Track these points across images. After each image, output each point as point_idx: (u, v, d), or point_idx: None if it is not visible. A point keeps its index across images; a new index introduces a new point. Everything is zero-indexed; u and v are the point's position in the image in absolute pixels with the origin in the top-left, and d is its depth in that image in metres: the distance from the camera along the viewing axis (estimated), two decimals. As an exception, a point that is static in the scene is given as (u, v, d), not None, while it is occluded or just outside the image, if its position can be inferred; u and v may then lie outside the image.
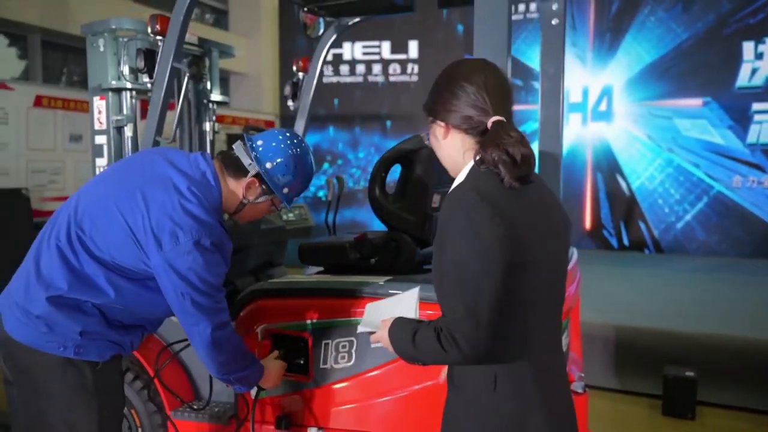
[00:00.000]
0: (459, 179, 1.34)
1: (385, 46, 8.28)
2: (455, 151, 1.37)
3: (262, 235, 2.93)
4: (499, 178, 1.28)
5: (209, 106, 3.26)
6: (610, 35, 7.53)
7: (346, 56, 8.41)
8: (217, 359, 1.72)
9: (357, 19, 3.16)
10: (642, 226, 7.43)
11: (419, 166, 2.19)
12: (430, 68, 8.06)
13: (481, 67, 1.37)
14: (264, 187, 1.79)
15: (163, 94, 2.37)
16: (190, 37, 2.96)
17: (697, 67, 7.13)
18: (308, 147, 1.88)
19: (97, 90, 2.73)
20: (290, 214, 3.17)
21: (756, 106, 6.90)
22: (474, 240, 1.21)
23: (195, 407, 2.30)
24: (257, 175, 1.77)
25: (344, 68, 8.42)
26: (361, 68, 8.42)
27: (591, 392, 2.31)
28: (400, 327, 1.36)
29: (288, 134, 1.85)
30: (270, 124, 9.81)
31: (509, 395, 1.30)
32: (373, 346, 1.49)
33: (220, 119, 9.64)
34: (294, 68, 3.26)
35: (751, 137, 6.95)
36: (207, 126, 3.27)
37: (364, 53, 8.39)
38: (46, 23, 7.45)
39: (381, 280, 2.05)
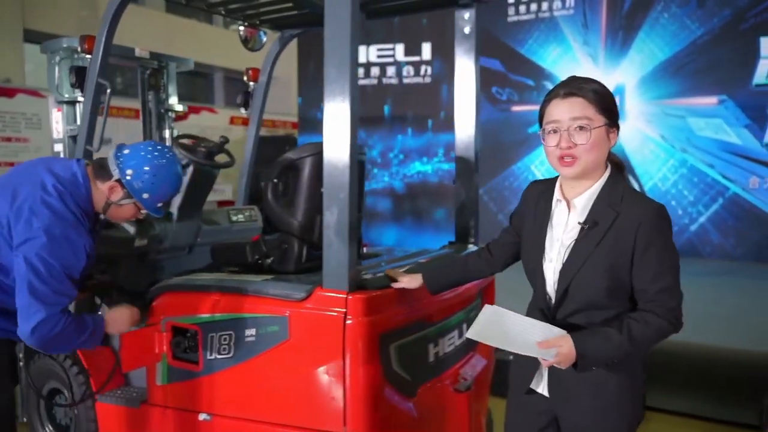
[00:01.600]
0: (597, 185, 1.58)
1: (399, 49, 8.40)
2: (606, 156, 1.59)
3: (207, 235, 3.14)
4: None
5: (168, 114, 3.51)
6: (622, 33, 7.38)
7: (362, 59, 8.59)
8: (49, 345, 1.89)
9: (299, 31, 3.34)
10: (655, 228, 7.24)
11: (309, 172, 2.33)
12: (443, 70, 8.14)
13: None
14: (125, 191, 2.00)
15: (90, 107, 2.62)
16: (141, 52, 3.22)
17: (712, 64, 6.90)
18: (174, 159, 2.08)
19: (54, 102, 3.02)
20: (240, 216, 3.38)
21: (774, 104, 6.63)
22: (673, 244, 1.55)
23: (117, 391, 2.53)
24: (119, 180, 1.98)
25: (359, 71, 8.60)
26: (375, 71, 8.57)
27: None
28: (602, 340, 1.50)
29: (156, 147, 2.06)
30: (294, 125, 10.12)
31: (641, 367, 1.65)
32: (546, 365, 1.55)
33: (235, 122, 10.07)
34: (245, 78, 3.47)
35: (769, 136, 6.68)
36: (167, 132, 3.53)
37: (379, 56, 8.54)
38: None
39: (259, 278, 2.21)
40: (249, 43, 3.18)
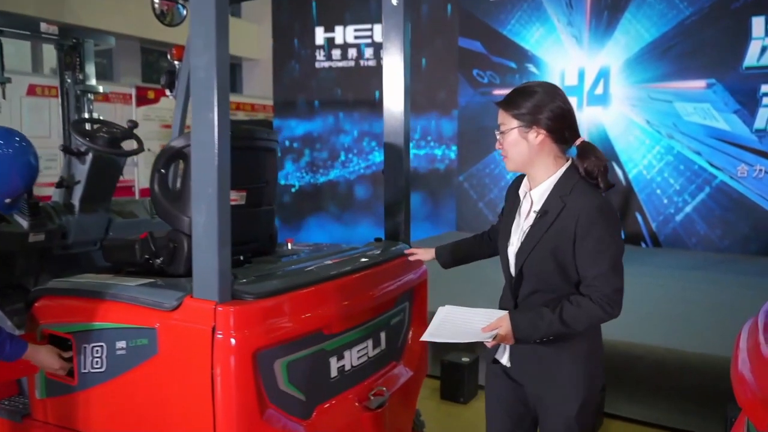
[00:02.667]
0: (553, 179, 1.73)
1: (377, 29, 8.06)
2: (544, 156, 1.73)
3: (122, 229, 2.88)
4: (591, 184, 1.71)
5: (87, 96, 3.24)
6: (608, 13, 7.03)
7: (338, 40, 8.26)
8: None
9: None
10: (639, 218, 6.95)
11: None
12: (420, 51, 7.80)
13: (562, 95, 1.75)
14: None
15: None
16: (47, 28, 2.94)
17: (701, 46, 6.56)
18: (25, 149, 1.81)
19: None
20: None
21: (765, 88, 6.28)
22: (618, 233, 1.70)
23: (5, 402, 2.29)
24: None
25: (336, 53, 8.28)
26: (353, 52, 8.25)
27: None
28: (535, 318, 1.66)
29: (3, 134, 1.78)
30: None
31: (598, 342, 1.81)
32: (490, 345, 1.73)
33: None
34: (168, 56, 3.18)
35: (759, 122, 6.35)
36: (86, 114, 3.25)
37: (356, 36, 8.21)
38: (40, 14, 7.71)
39: (135, 282, 1.95)
40: (166, 17, 2.89)
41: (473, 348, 3.73)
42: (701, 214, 6.68)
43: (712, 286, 5.02)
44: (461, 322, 1.73)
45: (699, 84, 6.59)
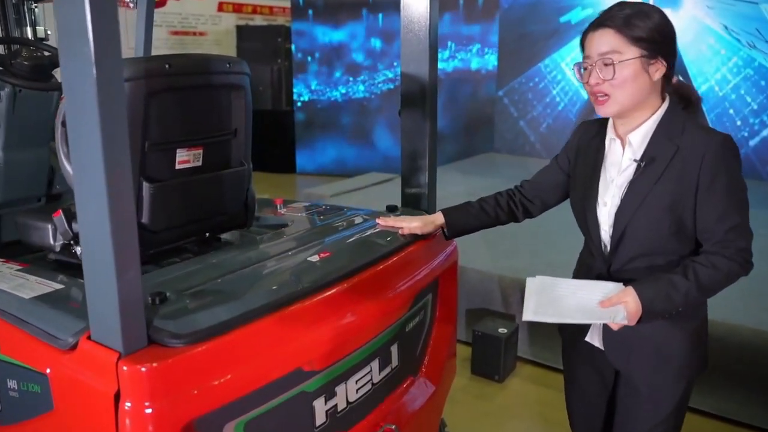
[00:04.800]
0: (655, 118, 1.44)
1: None
2: (655, 95, 1.44)
3: None
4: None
5: (28, 5, 2.53)
6: None
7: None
8: None
9: None
10: (705, 141, 6.06)
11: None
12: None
13: None
14: None
15: None
16: None
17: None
18: None
19: None
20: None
21: None
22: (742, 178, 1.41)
23: None
24: None
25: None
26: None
27: None
28: (666, 287, 1.38)
29: None
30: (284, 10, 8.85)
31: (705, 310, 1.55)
32: (617, 327, 1.41)
33: (224, 8, 8.82)
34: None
35: None
36: (28, 30, 2.56)
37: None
38: None
39: (30, 289, 1.34)
40: None
41: (512, 317, 3.13)
42: (781, 138, 5.76)
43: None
44: (566, 297, 1.45)
45: (795, -19, 5.46)
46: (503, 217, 1.74)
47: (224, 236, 1.77)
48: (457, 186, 4.93)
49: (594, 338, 1.59)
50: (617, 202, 1.47)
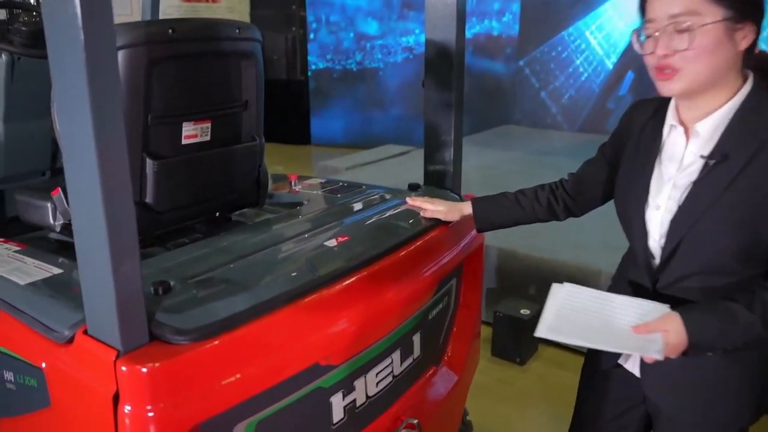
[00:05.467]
0: (731, 106, 1.14)
1: None
2: (735, 70, 1.14)
3: None
4: None
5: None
6: None
7: None
8: None
9: None
10: None
11: (126, 76, 1.27)
12: None
13: None
14: None
15: None
16: None
17: None
18: None
19: None
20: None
21: None
22: None
23: None
24: None
25: None
26: None
27: None
28: (723, 318, 1.13)
29: None
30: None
31: None
32: (651, 360, 1.16)
33: None
34: None
35: None
36: None
37: None
38: None
39: (26, 274, 1.24)
40: None
41: (534, 297, 3.02)
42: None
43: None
44: (593, 313, 1.20)
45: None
46: (541, 214, 1.50)
47: (235, 216, 1.66)
48: (472, 160, 4.75)
49: (628, 361, 1.34)
50: (673, 207, 1.19)
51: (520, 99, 7.06)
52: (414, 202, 1.62)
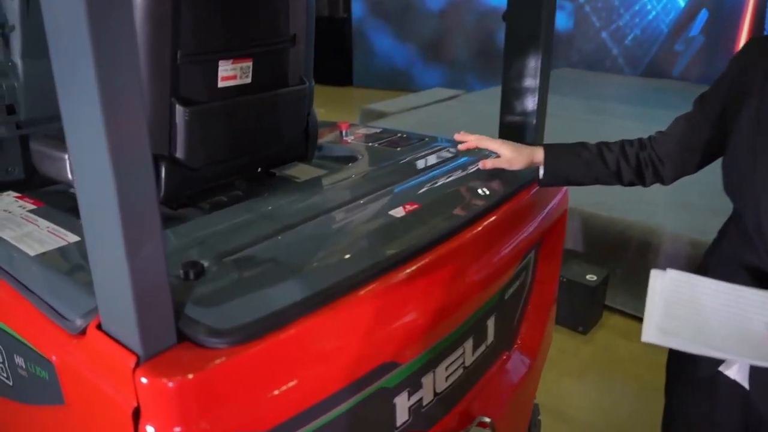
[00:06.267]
0: None
1: None
2: None
3: None
4: None
5: None
6: None
7: None
8: None
9: None
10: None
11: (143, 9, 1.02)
12: None
13: None
14: None
15: None
16: None
17: None
18: None
19: None
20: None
21: None
22: None
23: None
24: None
25: None
26: None
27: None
28: None
29: None
30: None
31: None
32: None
33: None
34: None
35: None
36: None
37: None
38: None
39: (37, 243, 1.04)
40: None
41: (602, 261, 2.75)
42: None
43: None
44: (712, 311, 0.95)
45: None
46: (627, 176, 1.22)
47: (279, 172, 1.43)
48: (448, 119, 4.31)
49: (732, 368, 1.11)
50: None
51: (578, 40, 6.55)
52: (463, 138, 1.31)
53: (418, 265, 0.99)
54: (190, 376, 0.74)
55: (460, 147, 1.34)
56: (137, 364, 0.74)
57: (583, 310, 2.63)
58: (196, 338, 0.78)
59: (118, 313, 0.76)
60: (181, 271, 0.86)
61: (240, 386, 0.78)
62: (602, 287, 2.66)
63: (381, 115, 4.78)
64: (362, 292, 0.91)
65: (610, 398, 2.29)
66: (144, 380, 0.73)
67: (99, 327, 0.81)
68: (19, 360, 1.04)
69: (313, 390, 0.86)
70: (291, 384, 0.83)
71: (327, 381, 0.88)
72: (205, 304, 0.82)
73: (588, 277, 2.62)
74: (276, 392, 0.81)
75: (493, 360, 1.38)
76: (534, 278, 1.52)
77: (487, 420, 1.26)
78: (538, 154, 1.25)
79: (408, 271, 0.97)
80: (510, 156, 1.25)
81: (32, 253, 1.03)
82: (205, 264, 0.89)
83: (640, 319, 2.66)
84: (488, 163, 1.28)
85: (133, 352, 0.75)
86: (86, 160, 0.70)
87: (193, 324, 0.78)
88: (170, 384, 0.73)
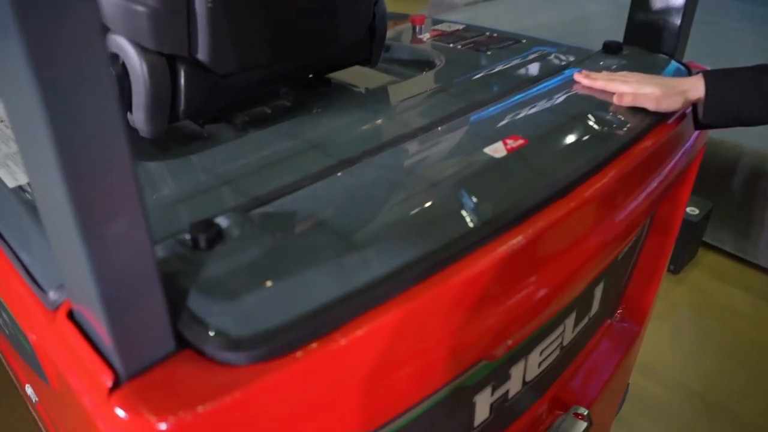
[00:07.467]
0: None
1: None
2: None
3: None
4: None
5: None
6: None
7: None
8: None
9: None
10: None
11: None
12: None
13: None
14: None
15: None
16: None
17: None
18: None
19: None
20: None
21: None
22: None
23: None
24: None
25: None
26: None
27: None
28: None
29: None
30: None
31: None
32: None
33: None
34: None
35: None
36: None
37: None
38: None
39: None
40: None
41: (704, 192, 2.36)
42: None
43: None
44: None
45: None
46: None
47: (336, 78, 1.12)
48: (540, 16, 3.57)
49: None
50: None
51: None
52: (592, 81, 0.97)
53: (529, 231, 0.68)
54: (199, 409, 0.49)
55: (583, 82, 0.98)
56: (115, 385, 0.50)
57: (678, 247, 2.28)
58: (203, 347, 0.52)
59: (85, 305, 0.51)
60: (188, 236, 0.59)
61: (272, 425, 0.53)
62: (704, 222, 2.30)
63: (450, 7, 4.26)
64: (454, 274, 0.62)
65: (708, 356, 2.00)
66: (121, 414, 0.49)
67: (69, 315, 0.57)
68: (5, 317, 0.83)
69: (376, 415, 0.61)
70: (346, 414, 0.57)
71: (395, 400, 0.62)
72: (221, 292, 0.55)
73: (689, 210, 2.26)
74: (321, 422, 0.56)
75: (594, 332, 1.10)
76: (650, 228, 1.20)
77: (584, 412, 1.00)
78: (696, 89, 0.91)
79: (515, 240, 0.67)
80: (658, 95, 0.91)
81: (10, 185, 0.78)
82: (224, 224, 0.62)
83: (740, 259, 2.29)
84: (627, 99, 0.93)
85: (109, 365, 0.50)
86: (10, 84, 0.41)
87: (200, 326, 0.52)
88: (162, 426, 0.48)
